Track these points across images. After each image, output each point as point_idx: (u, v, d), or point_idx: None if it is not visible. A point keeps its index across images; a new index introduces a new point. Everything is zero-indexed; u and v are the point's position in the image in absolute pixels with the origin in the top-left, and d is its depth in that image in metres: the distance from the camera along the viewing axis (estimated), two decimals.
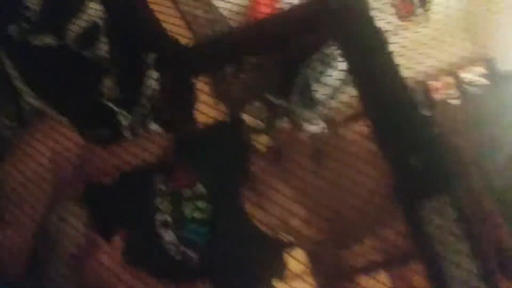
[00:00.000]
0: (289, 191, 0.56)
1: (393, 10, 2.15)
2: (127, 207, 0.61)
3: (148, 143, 0.73)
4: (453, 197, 0.63)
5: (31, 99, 0.73)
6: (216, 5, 1.66)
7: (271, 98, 1.92)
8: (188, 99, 1.02)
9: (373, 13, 1.10)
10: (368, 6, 1.03)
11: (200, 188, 0.61)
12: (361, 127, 0.80)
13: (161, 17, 1.19)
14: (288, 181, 0.57)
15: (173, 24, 1.32)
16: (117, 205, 0.62)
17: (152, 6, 1.12)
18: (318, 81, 1.90)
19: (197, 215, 0.60)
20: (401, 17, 2.21)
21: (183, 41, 1.21)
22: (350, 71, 1.09)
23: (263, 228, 0.58)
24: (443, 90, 2.12)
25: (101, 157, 0.69)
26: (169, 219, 0.58)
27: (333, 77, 1.90)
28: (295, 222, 0.57)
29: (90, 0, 0.78)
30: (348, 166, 0.56)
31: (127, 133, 0.81)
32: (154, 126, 0.89)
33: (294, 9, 1.17)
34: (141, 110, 0.87)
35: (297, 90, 1.90)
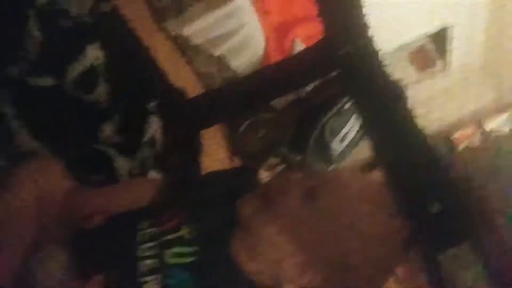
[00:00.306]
0: (282, 236, 0.50)
1: (411, 62, 2.16)
2: (111, 253, 0.56)
3: (140, 187, 0.69)
4: (474, 244, 0.56)
5: (27, 139, 0.71)
6: (230, 64, 1.70)
7: (287, 153, 1.88)
8: (193, 149, 0.99)
9: (384, 63, 1.08)
10: (376, 54, 1.01)
11: (186, 232, 0.56)
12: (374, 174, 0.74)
13: (171, 69, 1.22)
14: (280, 224, 0.51)
15: (183, 76, 1.35)
16: (100, 251, 0.57)
17: (163, 63, 1.14)
18: (334, 135, 1.86)
19: (181, 260, 0.54)
20: (420, 69, 2.20)
21: (192, 92, 1.22)
22: (363, 120, 1.04)
23: (252, 276, 0.51)
24: (466, 139, 2.02)
25: (89, 199, 0.65)
26: (152, 266, 0.52)
27: (350, 133, 1.86)
28: (288, 270, 0.49)
29: (90, 44, 0.80)
30: (348, 208, 0.50)
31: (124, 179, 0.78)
32: (152, 174, 0.85)
33: (302, 53, 1.17)
34: (141, 157, 0.84)
35: (313, 145, 1.86)
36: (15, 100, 0.70)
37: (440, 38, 1.89)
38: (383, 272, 0.52)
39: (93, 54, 0.77)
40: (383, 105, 0.97)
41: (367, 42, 1.05)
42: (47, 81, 0.72)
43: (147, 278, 0.54)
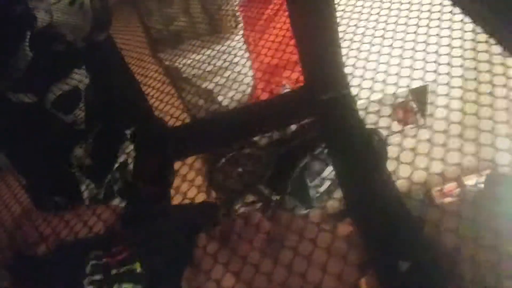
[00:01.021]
0: (231, 280, 0.48)
1: (392, 115, 2.22)
2: (55, 282, 0.54)
3: (96, 215, 0.67)
4: None
5: None
6: (217, 97, 1.74)
7: (265, 190, 1.88)
8: (165, 179, 0.98)
9: (363, 114, 1.11)
10: (355, 103, 1.04)
11: (136, 266, 0.54)
12: (345, 226, 0.74)
13: (157, 99, 1.23)
14: (235, 266, 0.49)
15: (171, 110, 1.36)
16: (43, 280, 0.55)
17: (151, 91, 1.16)
18: (313, 178, 1.87)
19: None
20: (401, 123, 2.26)
21: (175, 121, 1.23)
22: (335, 167, 1.05)
23: None
24: (446, 196, 2.03)
25: (39, 225, 0.63)
26: None
27: (329, 177, 1.87)
28: None
29: (77, 68, 0.81)
30: (305, 256, 0.49)
31: (86, 204, 0.76)
32: (116, 201, 0.84)
33: (283, 96, 1.20)
34: (108, 183, 0.83)
35: (291, 186, 1.86)
36: None
37: (421, 94, 1.96)
38: None
39: (79, 77, 0.78)
40: (357, 154, 0.99)
41: (345, 93, 1.08)
42: (28, 98, 0.73)
43: None
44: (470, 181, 1.93)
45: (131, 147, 0.88)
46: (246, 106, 1.44)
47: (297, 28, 0.97)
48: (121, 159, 0.86)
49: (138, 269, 0.55)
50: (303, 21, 0.92)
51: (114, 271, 0.55)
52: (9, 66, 0.74)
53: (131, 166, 0.89)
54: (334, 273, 0.50)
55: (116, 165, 0.85)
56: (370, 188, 0.90)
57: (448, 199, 1.99)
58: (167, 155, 1.03)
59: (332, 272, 0.50)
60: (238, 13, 1.63)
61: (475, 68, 1.22)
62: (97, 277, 0.54)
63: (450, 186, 2.01)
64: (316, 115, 1.03)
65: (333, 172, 1.92)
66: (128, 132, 0.89)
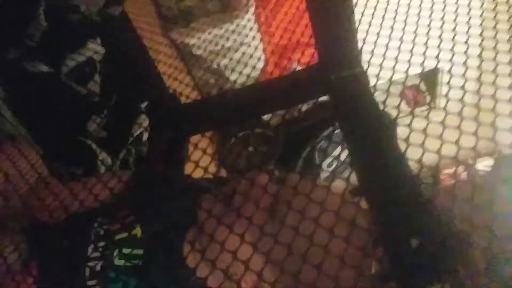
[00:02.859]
0: (237, 243, 0.48)
1: (402, 99, 2.20)
2: (62, 252, 0.54)
3: (106, 184, 0.68)
4: (455, 283, 0.55)
5: (8, 122, 0.71)
6: (228, 76, 1.74)
7: (275, 170, 1.87)
8: (178, 154, 0.99)
9: (376, 94, 1.10)
10: (368, 81, 1.03)
11: (137, 231, 0.54)
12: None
13: (169, 76, 1.23)
14: (237, 231, 0.49)
15: (181, 86, 1.36)
16: (55, 248, 0.55)
17: (163, 67, 1.16)
18: (324, 158, 1.87)
19: (127, 263, 0.52)
20: (411, 106, 2.25)
21: (187, 98, 1.23)
22: (348, 147, 1.05)
23: (202, 280, 0.49)
24: (453, 179, 2.03)
25: (54, 192, 0.64)
26: (98, 268, 0.50)
27: (339, 157, 1.86)
28: (240, 281, 0.47)
29: (92, 39, 0.81)
30: (316, 221, 0.48)
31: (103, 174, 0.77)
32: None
33: (296, 73, 1.19)
34: (124, 155, 0.84)
35: (301, 165, 1.86)
36: (6, 82, 0.71)
37: (431, 77, 1.94)
38: None
39: (93, 48, 0.78)
40: (370, 134, 0.99)
41: (360, 72, 1.07)
42: (43, 68, 0.73)
43: (91, 282, 0.52)
44: (480, 164, 1.93)
45: (146, 120, 0.89)
46: (258, 83, 1.43)
47: (312, 5, 0.96)
48: (136, 132, 0.87)
49: (139, 234, 0.55)
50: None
51: (116, 237, 0.55)
52: (23, 34, 0.74)
53: (145, 139, 0.90)
54: (342, 236, 0.49)
55: (131, 139, 0.86)
56: (382, 167, 0.90)
57: (455, 182, 1.98)
58: (180, 130, 1.04)
59: (340, 235, 0.49)
60: None
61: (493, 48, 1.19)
62: (101, 243, 0.54)
63: (458, 169, 2.00)
64: (329, 93, 1.03)
65: (344, 152, 1.91)
66: (143, 105, 0.89)
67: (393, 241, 0.64)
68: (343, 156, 1.90)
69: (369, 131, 1.00)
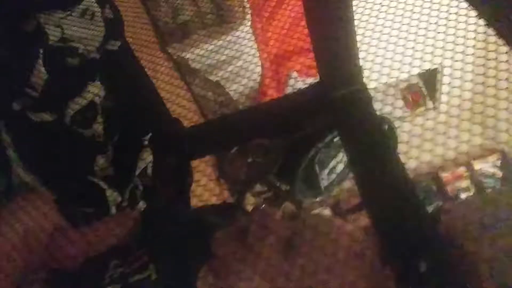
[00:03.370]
0: (255, 279, 0.48)
1: (401, 99, 2.21)
2: None
3: (119, 224, 0.69)
4: None
5: (21, 172, 0.72)
6: (227, 88, 1.74)
7: (275, 181, 1.90)
8: (183, 179, 1.00)
9: (376, 103, 1.11)
10: (369, 97, 1.04)
11: (149, 271, 0.55)
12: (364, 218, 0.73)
13: (169, 94, 1.23)
14: (254, 266, 0.48)
15: (180, 105, 1.37)
16: None
17: (161, 84, 1.16)
18: (323, 167, 1.89)
19: None
20: (410, 106, 2.25)
21: (188, 122, 1.23)
22: (350, 161, 1.06)
23: None
24: (456, 182, 2.05)
25: (71, 239, 0.65)
26: None
27: (338, 166, 1.88)
28: None
29: (91, 81, 0.81)
30: (330, 259, 0.48)
31: (113, 212, 0.78)
32: (140, 206, 0.86)
33: (297, 93, 1.20)
34: (132, 190, 0.85)
35: (301, 175, 1.88)
36: (14, 132, 0.71)
37: (431, 78, 1.95)
38: None
39: (94, 90, 0.79)
40: (371, 148, 0.99)
41: (361, 88, 1.08)
42: (47, 116, 0.74)
43: None
44: (480, 165, 1.95)
45: (150, 153, 0.89)
46: (258, 105, 1.44)
47: (312, 24, 0.96)
48: (142, 165, 0.87)
49: (153, 275, 0.55)
50: (318, 13, 0.90)
51: (131, 279, 0.56)
52: (26, 86, 0.74)
53: (151, 171, 0.90)
54: (357, 279, 0.49)
55: (137, 172, 0.87)
56: (383, 177, 0.91)
57: (458, 187, 2.02)
58: (183, 155, 1.04)
59: (354, 279, 0.50)
60: (245, 1, 1.60)
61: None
62: (116, 286, 0.55)
63: (459, 171, 2.03)
64: (330, 113, 1.03)
65: (343, 162, 1.93)
66: (145, 138, 0.90)
67: (400, 264, 0.65)
68: (342, 166, 1.92)
69: (371, 149, 1.01)
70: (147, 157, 0.88)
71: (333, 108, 1.02)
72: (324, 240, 0.52)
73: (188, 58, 1.59)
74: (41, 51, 0.74)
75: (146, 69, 1.02)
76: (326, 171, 1.85)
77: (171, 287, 0.54)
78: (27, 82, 0.72)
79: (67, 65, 0.78)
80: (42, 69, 0.73)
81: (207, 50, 1.56)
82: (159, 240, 0.61)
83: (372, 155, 0.93)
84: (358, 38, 1.09)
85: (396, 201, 0.84)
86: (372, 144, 0.99)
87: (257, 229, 0.53)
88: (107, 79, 0.82)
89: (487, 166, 1.84)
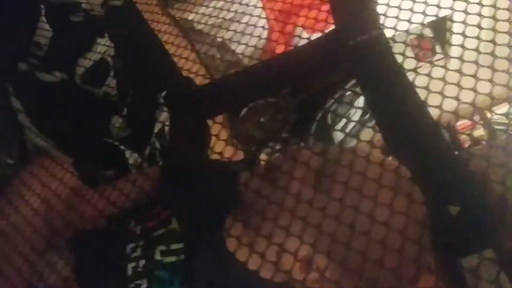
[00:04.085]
0: (285, 223, 0.45)
1: (411, 49, 2.13)
2: (107, 256, 0.55)
3: (135, 182, 0.67)
4: (499, 252, 0.54)
5: (34, 137, 0.70)
6: (233, 48, 1.68)
7: (288, 138, 1.88)
8: (201, 139, 0.98)
9: (394, 50, 1.07)
10: (388, 42, 1.00)
11: (174, 225, 0.53)
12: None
13: (175, 56, 1.19)
14: (283, 203, 0.46)
15: (188, 64, 1.32)
16: (99, 254, 0.56)
17: (167, 46, 1.12)
18: (336, 123, 1.86)
19: (168, 259, 0.52)
20: (420, 56, 2.19)
21: (197, 80, 1.20)
22: (372, 110, 1.03)
23: (251, 269, 0.47)
24: (470, 130, 2.03)
25: (92, 198, 0.64)
26: (140, 268, 0.51)
27: (352, 120, 1.85)
28: (292, 261, 0.46)
29: (100, 37, 0.77)
30: (373, 184, 0.46)
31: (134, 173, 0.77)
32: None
33: (308, 45, 1.15)
34: (150, 150, 0.83)
35: (315, 131, 1.85)
36: (24, 96, 0.68)
37: (440, 27, 1.87)
38: (407, 274, 0.46)
39: (102, 46, 0.75)
40: (395, 94, 0.96)
41: (378, 34, 1.02)
42: (57, 76, 0.70)
43: (138, 282, 0.51)
44: (494, 113, 1.91)
45: (165, 111, 0.87)
46: (275, 57, 1.39)
47: None
48: (159, 125, 0.85)
49: (177, 227, 0.54)
50: None
51: (155, 234, 0.55)
52: (31, 45, 0.70)
53: (168, 130, 0.88)
54: (388, 205, 0.47)
55: (155, 133, 0.84)
56: (408, 121, 0.87)
57: (473, 134, 1.99)
58: (200, 114, 1.01)
59: (385, 203, 0.47)
60: None
61: None
62: (140, 242, 0.54)
63: (473, 120, 1.98)
64: (348, 60, 0.99)
65: (355, 115, 1.90)
66: (160, 96, 0.87)
67: (432, 208, 0.63)
68: (356, 117, 1.89)
69: (393, 91, 0.97)
70: (163, 115, 0.86)
71: (351, 56, 0.98)
72: (363, 166, 0.48)
73: (190, 19, 1.53)
74: (43, 7, 0.70)
75: (154, 29, 0.97)
76: (340, 126, 1.83)
77: (197, 238, 0.52)
78: (31, 40, 0.68)
79: (71, 22, 0.74)
80: (46, 26, 0.69)
81: (210, 9, 1.49)
82: (180, 193, 0.60)
83: (396, 100, 0.90)
84: None
85: (423, 144, 0.82)
86: (395, 88, 0.96)
87: (284, 163, 0.51)
88: (115, 35, 0.78)
89: (500, 113, 1.81)
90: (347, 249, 0.44)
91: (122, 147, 0.80)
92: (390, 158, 0.70)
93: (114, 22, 0.82)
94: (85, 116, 0.77)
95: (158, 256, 0.54)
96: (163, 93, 0.88)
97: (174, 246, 0.54)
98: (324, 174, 0.48)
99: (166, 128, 0.88)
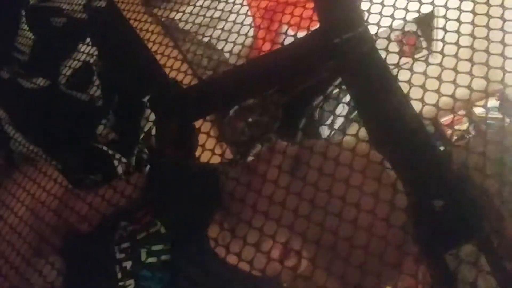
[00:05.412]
0: (264, 212, 0.46)
1: (396, 45, 2.16)
2: (93, 259, 0.55)
3: (127, 185, 0.68)
4: (483, 243, 0.55)
5: (19, 145, 0.69)
6: (219, 47, 1.68)
7: (276, 138, 1.88)
8: (187, 141, 0.98)
9: (378, 46, 1.08)
10: (373, 40, 1.01)
11: (157, 227, 0.54)
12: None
13: (160, 58, 1.18)
14: (262, 190, 0.47)
15: (173, 65, 1.31)
16: (88, 257, 0.56)
17: (152, 46, 1.11)
18: (323, 122, 1.87)
19: (152, 259, 0.53)
20: (406, 52, 2.21)
21: (185, 80, 1.19)
22: (357, 106, 1.04)
23: (235, 265, 0.48)
24: (456, 125, 2.06)
25: (80, 203, 0.64)
26: (127, 268, 0.51)
27: (338, 118, 1.86)
28: (270, 254, 0.46)
29: (83, 41, 0.76)
30: (339, 178, 0.47)
31: (121, 177, 0.76)
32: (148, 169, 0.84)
33: (294, 44, 1.15)
34: (138, 153, 0.83)
35: (302, 131, 1.86)
36: (7, 103, 0.67)
37: (426, 22, 1.90)
38: (388, 264, 0.46)
39: (86, 51, 0.74)
40: (380, 90, 0.97)
41: (363, 31, 1.03)
42: (40, 82, 0.69)
43: (128, 282, 0.52)
44: (479, 108, 1.94)
45: (152, 115, 0.86)
46: (260, 58, 1.39)
47: None
48: (145, 128, 0.84)
49: (162, 229, 0.55)
50: None
51: (140, 235, 0.56)
52: (11, 50, 0.69)
53: (154, 133, 0.88)
54: (384, 199, 0.48)
55: (142, 135, 0.84)
56: (393, 118, 0.89)
57: (458, 130, 2.02)
58: (186, 116, 1.01)
59: (368, 192, 0.48)
60: None
61: None
62: (125, 245, 0.55)
63: (458, 114, 2.02)
64: (333, 59, 1.00)
65: (342, 113, 1.91)
66: (145, 99, 0.86)
67: (415, 202, 0.64)
68: (341, 118, 1.90)
69: (377, 87, 0.98)
70: (150, 117, 0.85)
71: (337, 54, 0.99)
72: (338, 153, 0.49)
73: (176, 18, 1.52)
74: (23, 12, 0.68)
75: (138, 30, 0.96)
76: (327, 124, 1.84)
77: (181, 237, 0.53)
78: (13, 46, 0.67)
79: (53, 26, 0.73)
80: (28, 30, 0.68)
81: (195, 9, 1.48)
82: (164, 195, 0.60)
83: (381, 97, 0.91)
84: None
85: (408, 140, 0.83)
86: (380, 86, 0.97)
87: (263, 153, 0.52)
88: (98, 38, 0.77)
89: (485, 108, 1.84)
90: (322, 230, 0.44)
91: (110, 151, 0.79)
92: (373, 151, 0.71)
93: (96, 24, 0.81)
94: (72, 121, 0.76)
95: (143, 257, 0.54)
96: (148, 95, 0.88)
97: (161, 247, 0.55)
98: (300, 161, 0.49)
99: (153, 130, 0.88)
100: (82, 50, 0.77)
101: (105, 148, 0.77)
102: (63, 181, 0.66)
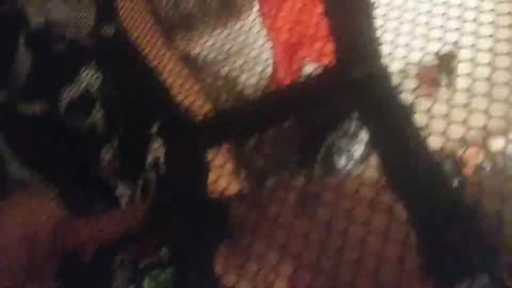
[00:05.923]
0: (270, 245, 0.44)
1: (416, 80, 2.12)
2: (98, 285, 0.54)
3: (129, 212, 0.67)
4: (493, 277, 0.53)
5: (16, 169, 0.69)
6: (237, 79, 1.70)
7: (294, 168, 1.85)
8: (199, 170, 0.97)
9: (395, 82, 1.08)
10: (390, 76, 1.00)
11: (164, 253, 0.53)
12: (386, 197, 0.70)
13: (178, 88, 1.20)
14: (269, 233, 0.46)
15: (191, 95, 1.34)
16: (90, 282, 0.55)
17: (169, 77, 1.13)
18: (341, 155, 1.84)
19: (158, 286, 0.51)
20: (425, 86, 2.17)
21: (200, 112, 1.20)
22: (373, 143, 1.03)
23: None
24: (473, 161, 1.97)
25: (79, 229, 0.63)
26: None
27: (356, 152, 1.83)
28: (275, 284, 0.44)
29: (85, 67, 0.77)
30: (347, 218, 0.45)
31: (123, 206, 0.75)
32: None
33: (313, 78, 1.16)
34: (143, 182, 0.82)
35: (320, 164, 1.83)
36: (4, 127, 0.68)
37: (447, 58, 1.87)
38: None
39: (88, 77, 0.75)
40: (395, 126, 0.96)
41: (380, 64, 1.04)
42: (38, 106, 0.70)
43: None
44: (496, 145, 1.86)
45: (159, 143, 0.86)
46: (275, 91, 1.40)
47: (329, 4, 0.92)
48: (151, 157, 0.84)
49: (167, 255, 0.53)
50: None
51: (144, 262, 0.54)
52: (10, 73, 0.71)
53: (163, 162, 0.87)
54: (393, 236, 0.46)
55: (148, 164, 0.83)
56: (408, 154, 0.87)
57: (475, 165, 1.93)
58: (198, 147, 1.02)
59: (389, 234, 0.46)
60: None
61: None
62: (130, 274, 0.54)
63: (473, 150, 1.93)
64: (350, 95, 0.99)
65: (360, 146, 1.88)
66: (153, 128, 0.86)
67: (428, 235, 0.61)
68: (359, 151, 1.86)
69: (393, 123, 0.97)
70: (157, 147, 0.85)
71: (353, 90, 0.98)
72: (340, 190, 0.48)
73: (195, 52, 1.56)
74: (22, 37, 0.70)
75: (150, 60, 0.98)
76: (344, 158, 1.80)
77: (187, 267, 0.52)
78: (9, 70, 0.68)
79: (54, 52, 0.74)
80: (25, 56, 0.69)
81: (215, 42, 1.52)
82: (173, 222, 0.59)
83: (396, 133, 0.90)
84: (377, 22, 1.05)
85: (422, 176, 0.81)
86: (395, 122, 0.96)
87: (270, 191, 0.51)
88: (104, 66, 0.78)
89: (503, 144, 1.77)
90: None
91: (111, 182, 0.78)
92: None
93: (104, 52, 0.82)
94: (71, 148, 0.76)
95: (147, 284, 0.53)
96: (156, 125, 0.87)
97: (165, 274, 0.53)
98: (304, 198, 0.48)
99: (161, 160, 0.87)
100: (84, 76, 0.78)
101: (107, 178, 0.76)
102: (60, 207, 0.65)
